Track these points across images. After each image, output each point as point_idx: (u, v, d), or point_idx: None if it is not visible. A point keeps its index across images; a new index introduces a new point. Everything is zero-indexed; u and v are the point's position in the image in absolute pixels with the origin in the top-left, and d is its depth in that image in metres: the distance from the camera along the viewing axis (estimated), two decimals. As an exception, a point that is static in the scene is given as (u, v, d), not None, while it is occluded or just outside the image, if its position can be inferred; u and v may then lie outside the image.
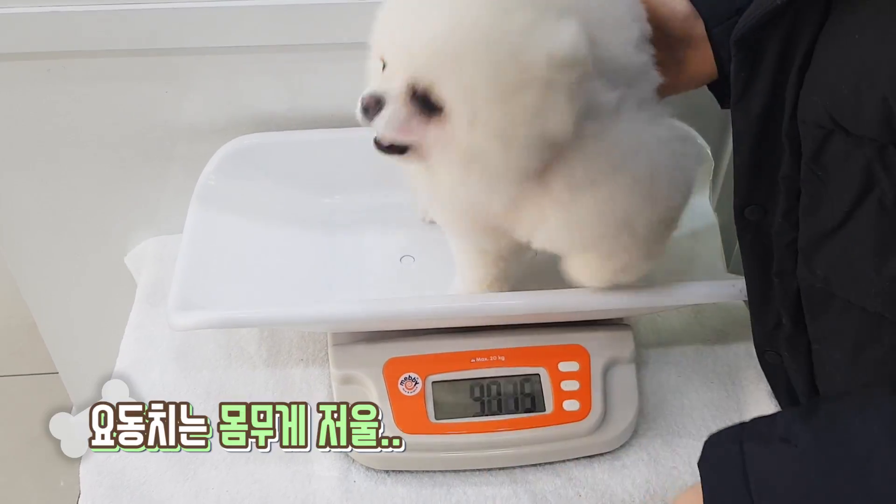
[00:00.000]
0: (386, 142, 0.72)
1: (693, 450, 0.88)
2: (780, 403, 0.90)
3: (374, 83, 0.71)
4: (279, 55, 1.03)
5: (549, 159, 0.70)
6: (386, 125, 0.70)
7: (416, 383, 0.88)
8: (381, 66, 0.72)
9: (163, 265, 1.10)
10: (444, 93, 0.67)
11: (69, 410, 1.48)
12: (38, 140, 1.08)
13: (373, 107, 0.69)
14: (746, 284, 0.81)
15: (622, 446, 0.89)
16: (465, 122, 0.67)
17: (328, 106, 1.07)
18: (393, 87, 0.69)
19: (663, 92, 0.79)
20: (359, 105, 0.70)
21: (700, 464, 0.71)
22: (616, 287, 0.85)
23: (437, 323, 0.90)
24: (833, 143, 0.63)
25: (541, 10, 0.66)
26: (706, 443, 0.73)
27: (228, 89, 1.06)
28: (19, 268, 1.24)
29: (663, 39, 0.80)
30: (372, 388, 0.88)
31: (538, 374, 0.89)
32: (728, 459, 0.68)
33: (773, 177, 0.71)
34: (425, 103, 0.68)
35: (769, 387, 0.92)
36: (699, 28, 0.79)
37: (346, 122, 1.05)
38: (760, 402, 0.92)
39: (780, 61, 0.65)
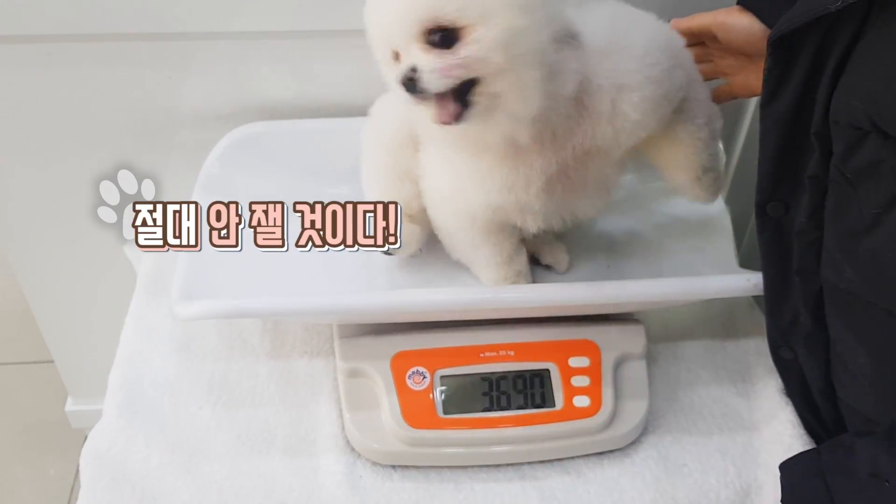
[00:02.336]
0: (434, 89, 0.72)
1: (703, 448, 0.88)
2: (792, 400, 0.90)
3: (397, 69, 0.73)
4: (286, 42, 1.01)
5: None
6: (432, 76, 0.71)
7: (424, 377, 0.87)
8: (394, 55, 0.74)
9: (164, 255, 1.08)
10: (448, 12, 0.70)
11: (64, 399, 1.48)
12: (38, 125, 1.07)
13: (413, 76, 0.71)
14: (763, 280, 0.81)
15: (632, 443, 0.88)
16: (479, 17, 0.69)
17: (335, 94, 1.06)
18: (414, 52, 0.72)
19: (742, 93, 0.87)
20: (401, 87, 0.73)
21: (784, 501, 0.73)
22: (628, 280, 0.85)
23: (448, 315, 0.88)
24: (867, 146, 0.63)
25: None
26: (783, 475, 0.75)
27: (233, 76, 1.04)
28: (16, 254, 1.22)
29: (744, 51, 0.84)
30: (379, 382, 0.87)
31: (548, 370, 0.88)
32: (815, 497, 0.69)
33: (797, 174, 0.71)
34: (443, 39, 0.71)
35: (779, 383, 0.91)
36: None
37: (353, 111, 1.05)
38: (771, 398, 0.91)
39: (814, 62, 0.66)
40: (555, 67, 0.73)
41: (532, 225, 0.85)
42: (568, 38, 0.74)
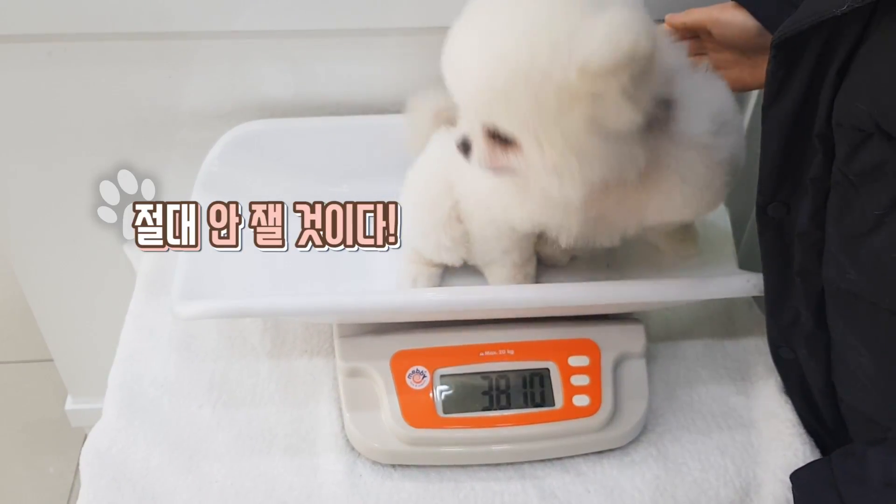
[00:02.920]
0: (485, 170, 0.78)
1: (703, 446, 0.88)
2: (792, 399, 0.90)
3: (460, 125, 0.79)
4: (286, 40, 1.01)
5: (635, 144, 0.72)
6: (479, 162, 0.77)
7: (424, 377, 0.87)
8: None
9: (163, 254, 1.08)
10: (507, 128, 0.72)
11: (64, 398, 1.48)
12: (38, 124, 1.07)
13: (466, 147, 0.78)
14: (764, 280, 0.81)
15: (631, 442, 0.88)
16: (534, 148, 0.72)
17: (335, 93, 1.06)
18: (474, 128, 0.76)
19: (736, 87, 0.85)
20: (455, 146, 0.79)
21: None
22: (629, 281, 0.85)
23: (448, 315, 0.88)
24: (870, 147, 0.63)
25: (573, 24, 0.67)
26: (794, 485, 0.76)
27: (233, 75, 1.04)
28: (16, 253, 1.22)
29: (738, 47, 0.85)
30: (379, 381, 0.87)
31: (547, 369, 0.88)
32: None
33: (799, 176, 0.71)
34: (501, 138, 0.74)
35: (779, 382, 0.91)
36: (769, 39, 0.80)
37: (352, 110, 1.05)
38: (770, 397, 0.91)
39: (817, 65, 0.66)
40: (618, 161, 0.73)
41: (564, 240, 0.85)
42: (659, 108, 0.73)
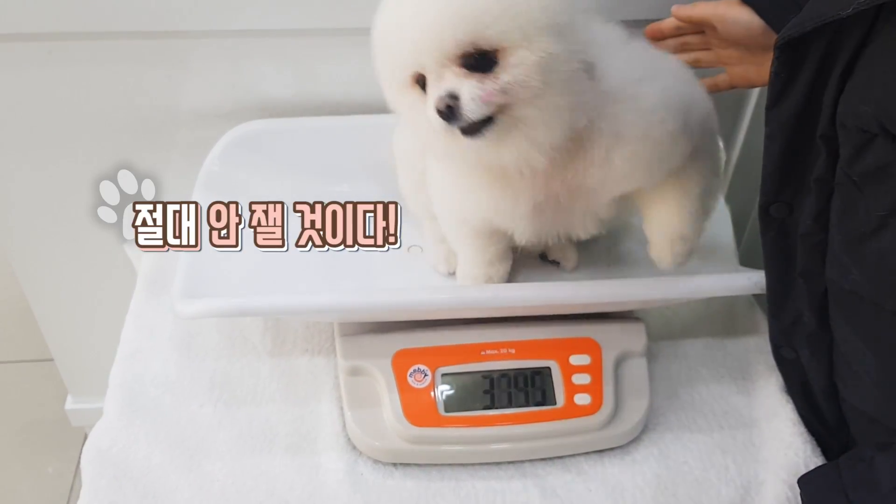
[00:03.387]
0: (475, 118, 0.69)
1: (703, 445, 0.88)
2: (793, 398, 0.90)
3: (432, 95, 0.69)
4: (286, 40, 1.01)
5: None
6: (474, 104, 0.67)
7: (426, 375, 0.87)
8: (421, 81, 0.70)
9: (164, 254, 1.08)
10: (492, 34, 0.66)
11: (64, 397, 1.48)
12: (38, 123, 1.07)
13: (453, 104, 0.68)
14: (766, 280, 0.81)
15: (632, 441, 0.89)
16: (522, 45, 0.66)
17: (335, 92, 1.06)
18: (450, 77, 0.68)
19: (741, 84, 0.88)
20: (438, 117, 0.68)
21: None
22: (630, 279, 0.85)
23: (449, 314, 0.88)
24: (874, 149, 0.63)
25: None
26: (802, 490, 0.76)
27: (233, 74, 1.04)
28: (16, 253, 1.22)
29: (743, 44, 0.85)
30: (380, 380, 0.87)
31: (549, 367, 0.88)
32: None
33: (802, 177, 0.71)
34: (480, 62, 0.67)
35: (780, 381, 0.91)
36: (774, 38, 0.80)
37: (353, 110, 1.05)
38: (771, 396, 0.91)
39: (821, 66, 0.66)
40: (578, 97, 0.70)
41: (521, 237, 0.84)
42: (586, 70, 0.71)
